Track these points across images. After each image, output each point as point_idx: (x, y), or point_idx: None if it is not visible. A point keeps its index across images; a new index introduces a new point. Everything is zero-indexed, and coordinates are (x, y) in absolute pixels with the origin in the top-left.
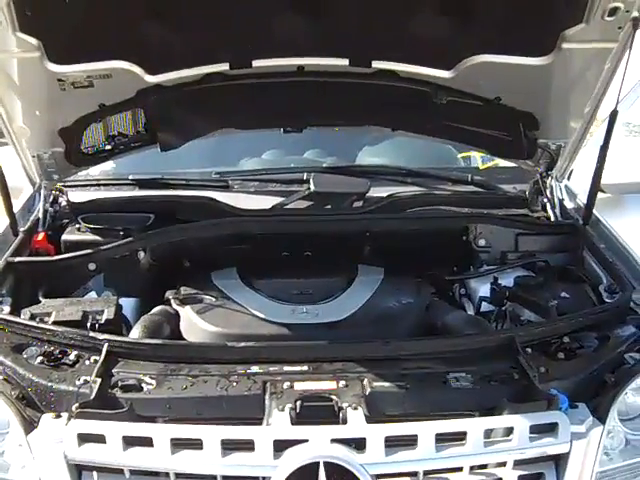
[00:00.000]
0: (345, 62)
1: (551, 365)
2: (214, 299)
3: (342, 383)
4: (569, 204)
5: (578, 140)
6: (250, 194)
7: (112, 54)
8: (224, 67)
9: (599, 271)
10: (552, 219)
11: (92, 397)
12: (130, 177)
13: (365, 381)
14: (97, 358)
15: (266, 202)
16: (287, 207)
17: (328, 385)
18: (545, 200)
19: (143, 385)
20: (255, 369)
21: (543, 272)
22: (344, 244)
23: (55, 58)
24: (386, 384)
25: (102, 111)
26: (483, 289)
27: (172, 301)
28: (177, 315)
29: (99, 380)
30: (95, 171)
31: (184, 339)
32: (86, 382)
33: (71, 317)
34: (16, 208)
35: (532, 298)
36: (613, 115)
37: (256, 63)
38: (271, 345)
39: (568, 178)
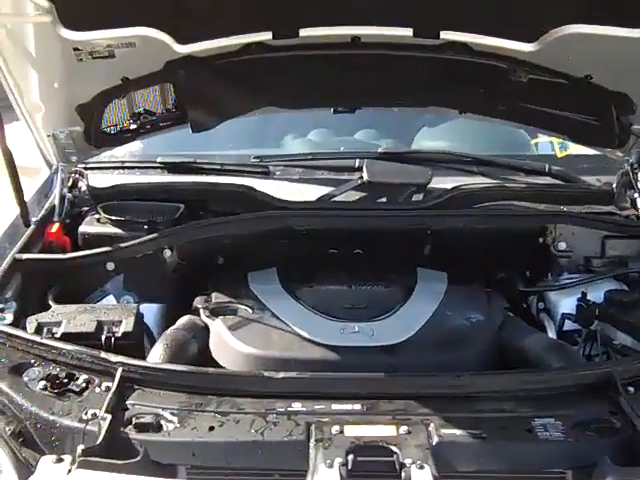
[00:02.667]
0: (408, 32)
1: None
2: (250, 310)
3: (403, 429)
4: None
5: None
6: (293, 182)
7: (135, 19)
8: (266, 36)
9: None
10: None
11: (100, 440)
12: (158, 160)
13: (431, 426)
14: (109, 385)
15: (312, 192)
16: (336, 199)
17: (386, 431)
18: (635, 195)
19: (162, 422)
20: (297, 406)
21: (638, 285)
22: (401, 243)
23: (69, 23)
24: (458, 432)
25: (125, 85)
26: (565, 303)
27: (201, 311)
28: (206, 328)
29: (109, 417)
30: (120, 152)
31: (213, 359)
32: (95, 416)
33: (83, 328)
34: (31, 193)
35: (627, 319)
36: None
37: (304, 32)
38: (317, 377)
39: None
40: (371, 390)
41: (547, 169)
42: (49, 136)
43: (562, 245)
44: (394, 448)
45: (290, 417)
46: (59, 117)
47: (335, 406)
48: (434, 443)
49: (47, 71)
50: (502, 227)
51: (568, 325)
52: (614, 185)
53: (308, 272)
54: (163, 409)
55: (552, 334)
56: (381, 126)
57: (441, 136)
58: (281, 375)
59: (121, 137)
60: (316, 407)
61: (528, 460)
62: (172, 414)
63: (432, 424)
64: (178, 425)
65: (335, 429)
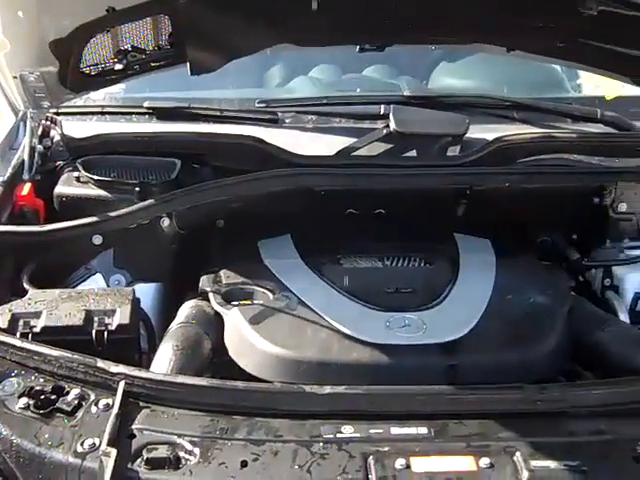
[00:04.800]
0: None
1: None
2: (270, 295)
3: (484, 461)
4: None
5: None
6: (307, 132)
7: None
8: None
9: None
10: None
11: None
12: (145, 104)
13: (517, 456)
14: (109, 402)
15: (329, 144)
16: (359, 153)
17: (463, 464)
18: None
19: (180, 454)
20: (349, 431)
21: None
22: (433, 204)
23: None
24: (552, 464)
25: (111, 17)
26: (633, 279)
27: (211, 297)
28: (219, 318)
29: (114, 453)
30: (98, 95)
31: (228, 356)
32: (93, 448)
33: (69, 320)
34: None
35: None
36: None
37: None
38: (371, 393)
39: None
40: (437, 407)
41: (599, 115)
42: (15, 77)
43: (623, 206)
44: None
45: (341, 446)
46: (28, 55)
47: (395, 430)
48: (524, 478)
49: None
50: (554, 186)
51: None
52: None
53: (328, 240)
54: (180, 436)
55: (623, 316)
56: (392, 60)
57: (463, 73)
58: (327, 390)
59: (103, 79)
60: (372, 432)
61: None
62: (192, 443)
63: (518, 453)
64: (201, 459)
65: (400, 463)
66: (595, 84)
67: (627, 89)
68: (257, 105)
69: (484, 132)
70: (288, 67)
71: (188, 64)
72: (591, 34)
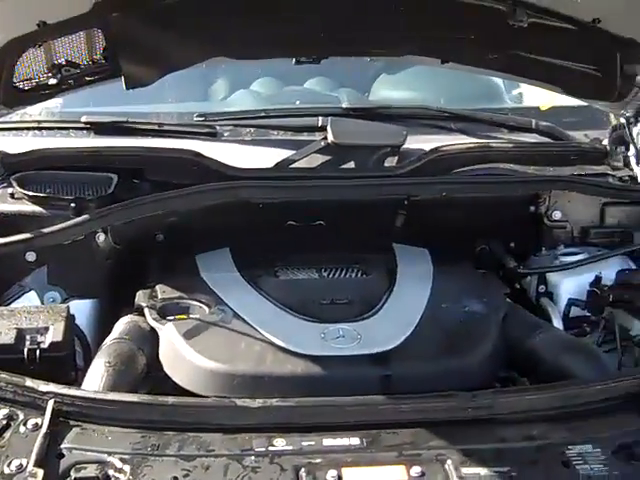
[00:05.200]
0: None
1: None
2: (206, 309)
3: (415, 470)
4: None
5: None
6: (245, 144)
7: None
8: None
9: None
10: None
11: None
12: (83, 119)
13: (449, 464)
14: (38, 421)
15: (267, 157)
16: (297, 165)
17: (395, 474)
18: (630, 154)
19: (110, 473)
20: (281, 444)
21: None
22: (371, 214)
23: None
24: (482, 471)
25: (42, 31)
26: (567, 285)
27: (146, 312)
28: (154, 334)
29: (41, 473)
30: (35, 109)
31: (163, 371)
32: (20, 469)
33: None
34: None
35: None
36: None
37: None
38: (303, 404)
39: None
40: (370, 417)
41: (534, 125)
42: None
43: (557, 214)
44: None
45: (273, 459)
46: None
47: (328, 441)
48: None
49: None
50: (490, 195)
51: (574, 311)
52: (605, 142)
53: (267, 253)
54: (110, 454)
55: (557, 322)
56: (334, 73)
57: (403, 85)
58: (258, 404)
59: (38, 94)
60: (304, 444)
61: None
62: (122, 460)
63: (449, 460)
64: (131, 477)
65: (331, 474)
66: (537, 94)
67: (561, 99)
68: (195, 119)
69: (422, 143)
70: (229, 81)
71: (123, 78)
72: (522, 46)
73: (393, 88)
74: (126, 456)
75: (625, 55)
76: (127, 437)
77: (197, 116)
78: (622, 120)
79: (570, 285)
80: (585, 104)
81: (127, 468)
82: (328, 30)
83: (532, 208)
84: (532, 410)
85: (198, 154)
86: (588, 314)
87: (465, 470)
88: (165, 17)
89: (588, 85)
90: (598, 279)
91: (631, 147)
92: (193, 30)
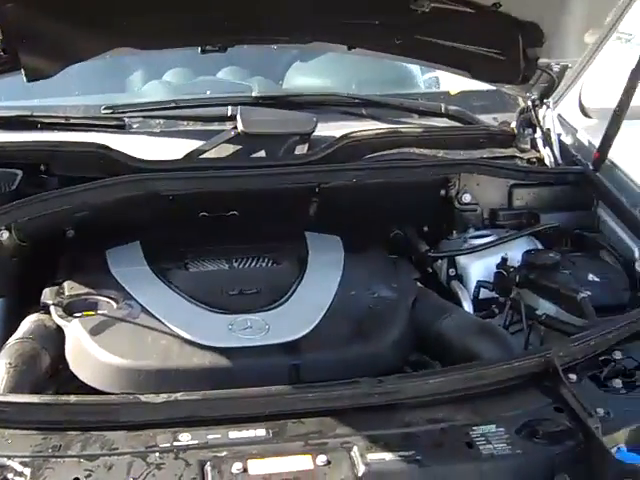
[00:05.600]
0: None
1: (610, 402)
2: (114, 304)
3: (321, 459)
4: (567, 141)
5: (587, 60)
6: (154, 137)
7: None
8: None
9: (625, 237)
10: (547, 162)
11: None
12: None
13: (355, 451)
14: None
15: (177, 148)
16: (207, 155)
17: (300, 463)
18: (537, 136)
19: (9, 477)
20: (186, 439)
21: (554, 242)
22: (283, 203)
23: None
24: (387, 456)
25: None
26: (476, 267)
27: (52, 309)
28: (60, 332)
29: None
30: None
31: (71, 372)
32: None
33: None
34: None
35: (550, 284)
36: None
37: None
38: (208, 397)
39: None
40: (276, 408)
41: (444, 109)
42: None
43: (467, 197)
44: None
45: (178, 455)
46: None
47: (233, 434)
48: (360, 474)
49: None
50: (401, 180)
51: (483, 293)
52: (513, 124)
53: (179, 245)
54: (9, 458)
55: (467, 305)
56: (247, 62)
57: (316, 72)
58: (162, 399)
59: None
60: (210, 437)
61: None
62: (22, 464)
63: (355, 447)
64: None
65: (237, 467)
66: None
67: (471, 84)
68: (103, 111)
69: (333, 130)
70: (141, 72)
71: (23, 70)
72: (425, 30)
73: (307, 75)
74: (26, 459)
75: (527, 38)
76: (27, 439)
77: (104, 108)
78: (529, 103)
79: (479, 268)
80: (493, 88)
81: (27, 471)
82: (232, 18)
83: (442, 192)
84: (437, 393)
85: (105, 147)
86: (497, 295)
87: (371, 456)
88: (64, 7)
89: (492, 69)
90: (504, 260)
91: (538, 129)
92: (92, 21)
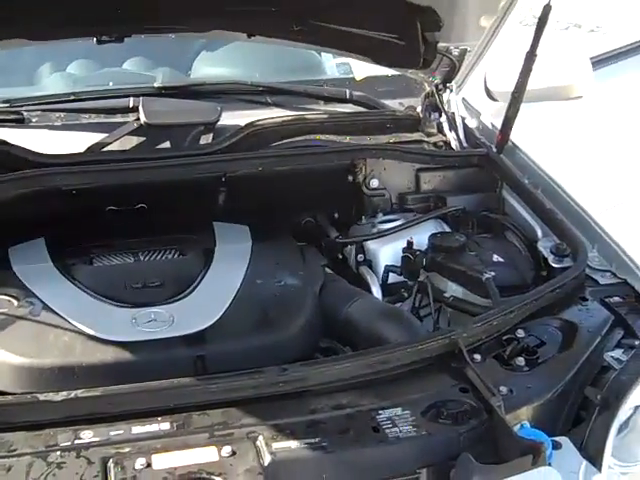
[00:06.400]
0: None
1: (513, 380)
2: (14, 302)
3: (226, 450)
4: (472, 124)
5: (486, 43)
6: (55, 130)
7: None
8: None
9: (528, 218)
10: (453, 145)
11: None
12: None
13: (260, 440)
14: None
15: (79, 142)
16: (109, 148)
17: (205, 455)
18: (442, 120)
19: None
20: (88, 436)
21: (461, 224)
22: (190, 194)
23: None
24: (293, 444)
25: None
26: (385, 252)
27: None
28: None
29: None
30: None
31: None
32: None
33: None
34: None
35: (457, 266)
36: (546, 10)
37: None
38: (108, 393)
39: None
40: (180, 400)
41: (348, 95)
42: None
43: (375, 182)
44: (218, 479)
45: (80, 453)
46: None
47: (137, 429)
48: (266, 464)
49: None
50: (308, 167)
51: (392, 278)
52: (418, 109)
53: (83, 240)
54: None
55: (376, 290)
56: (153, 52)
57: (224, 61)
58: (62, 396)
59: None
60: (113, 434)
61: (379, 466)
62: None
63: (260, 437)
64: None
65: (140, 462)
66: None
67: (380, 70)
68: (0, 105)
69: (238, 118)
70: (45, 64)
71: None
72: (323, 17)
73: (214, 66)
74: None
75: (425, 23)
76: None
77: (1, 102)
78: (432, 87)
79: (387, 252)
80: (398, 73)
81: None
82: (126, 7)
83: (350, 177)
84: (342, 379)
85: (3, 142)
86: (405, 279)
87: (276, 445)
88: None
89: (393, 53)
90: (409, 244)
91: (443, 114)
92: None
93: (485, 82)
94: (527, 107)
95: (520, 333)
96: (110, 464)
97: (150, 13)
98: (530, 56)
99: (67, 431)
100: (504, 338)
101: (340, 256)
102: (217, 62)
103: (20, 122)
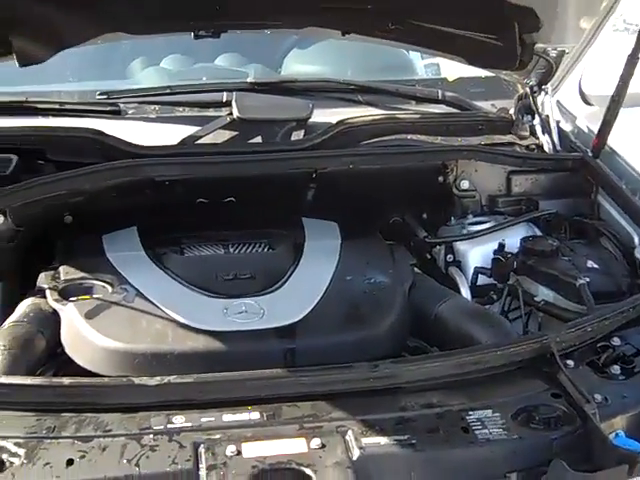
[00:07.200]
0: None
1: (608, 388)
2: (109, 288)
3: (316, 442)
4: (566, 127)
5: (585, 45)
6: (150, 122)
7: None
8: None
9: (625, 224)
10: (546, 148)
11: None
12: None
13: (349, 435)
14: None
15: (173, 134)
16: (202, 141)
17: (295, 446)
18: (535, 123)
19: (4, 457)
20: (180, 421)
21: (552, 228)
22: (280, 189)
23: None
24: (382, 440)
25: None
26: (475, 254)
27: (48, 293)
28: (56, 316)
29: None
30: None
31: (67, 355)
32: None
33: None
34: None
35: (548, 270)
36: None
37: None
38: (202, 380)
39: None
40: (270, 391)
41: (440, 95)
42: None
43: (465, 184)
44: (307, 470)
45: (172, 437)
46: None
47: (227, 417)
48: (355, 458)
49: None
50: (398, 166)
51: (481, 279)
52: (511, 111)
53: (175, 230)
54: (4, 438)
55: (465, 291)
56: (245, 49)
57: (315, 59)
58: (155, 381)
59: None
60: (204, 420)
61: (468, 468)
62: (17, 445)
63: (349, 431)
64: (25, 460)
65: (230, 450)
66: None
67: (470, 71)
68: (98, 97)
69: (329, 116)
70: (138, 58)
71: (15, 55)
72: (421, 16)
73: (305, 63)
74: (20, 440)
75: (523, 23)
76: (22, 421)
77: (99, 94)
78: (527, 89)
79: (477, 254)
80: (492, 75)
81: (22, 452)
82: (225, 3)
83: (440, 178)
84: (433, 378)
85: (100, 133)
86: (495, 282)
87: (365, 440)
88: None
89: (489, 54)
90: (501, 247)
91: (536, 116)
92: (85, 5)
93: (580, 85)
94: (625, 112)
95: (616, 341)
96: (201, 449)
97: (248, 9)
98: (632, 59)
99: (160, 415)
100: (598, 345)
101: (429, 256)
102: (307, 60)
103: (117, 114)
